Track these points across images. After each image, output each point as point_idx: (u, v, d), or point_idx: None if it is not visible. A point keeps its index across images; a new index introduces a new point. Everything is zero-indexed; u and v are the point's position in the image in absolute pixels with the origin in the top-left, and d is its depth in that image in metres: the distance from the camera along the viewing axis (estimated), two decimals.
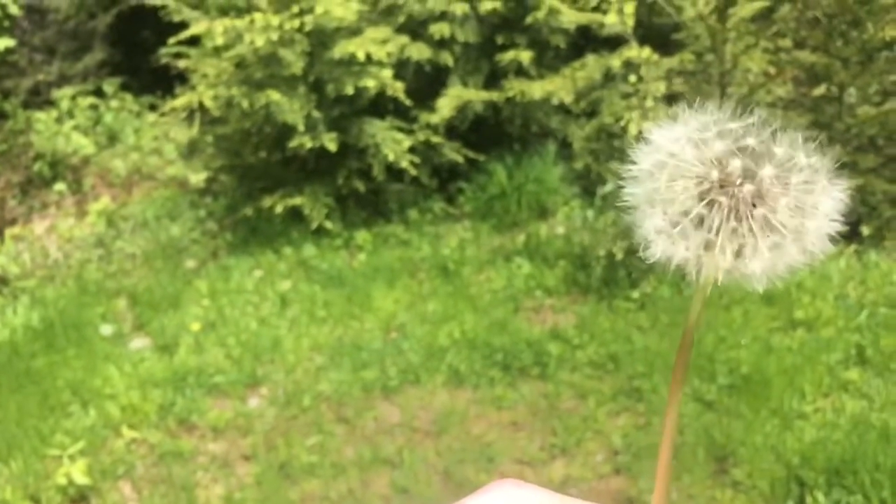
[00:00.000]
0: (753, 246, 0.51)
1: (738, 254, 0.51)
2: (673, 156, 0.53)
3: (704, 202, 0.51)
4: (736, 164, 0.51)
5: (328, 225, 5.37)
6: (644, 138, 0.55)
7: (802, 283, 4.18)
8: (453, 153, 5.60)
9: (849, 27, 4.80)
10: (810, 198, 0.52)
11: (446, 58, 5.64)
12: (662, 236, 0.52)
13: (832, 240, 0.53)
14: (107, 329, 4.54)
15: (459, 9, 5.53)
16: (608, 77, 5.36)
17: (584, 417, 3.52)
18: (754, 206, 0.51)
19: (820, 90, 4.92)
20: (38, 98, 7.71)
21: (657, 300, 4.25)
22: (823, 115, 4.86)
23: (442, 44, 5.65)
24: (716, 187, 0.51)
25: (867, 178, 4.61)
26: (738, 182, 0.51)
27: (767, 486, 2.95)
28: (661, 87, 4.77)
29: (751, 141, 0.53)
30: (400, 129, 5.51)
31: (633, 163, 0.54)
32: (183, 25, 5.79)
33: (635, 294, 4.32)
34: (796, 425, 3.23)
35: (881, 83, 4.94)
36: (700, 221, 0.51)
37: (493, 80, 5.77)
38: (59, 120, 7.11)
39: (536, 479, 3.21)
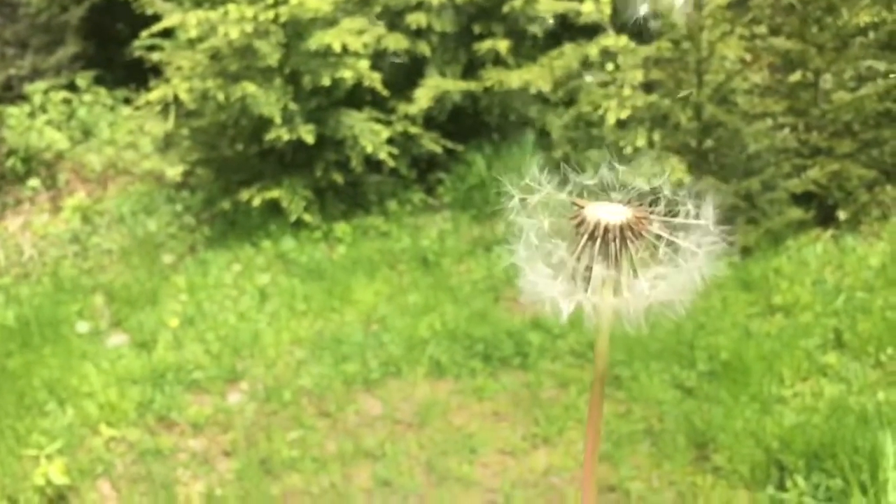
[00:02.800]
0: (630, 282, 0.51)
1: (618, 291, 0.51)
2: (541, 212, 0.54)
3: (578, 247, 0.51)
4: (603, 208, 0.51)
5: (307, 217, 5.33)
6: (518, 200, 0.56)
7: (780, 269, 4.20)
8: (432, 144, 5.58)
9: (823, 13, 4.81)
10: (688, 237, 0.53)
11: (423, 48, 5.61)
12: (543, 280, 0.52)
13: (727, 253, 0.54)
14: (83, 326, 4.49)
15: None
16: (585, 65, 5.36)
17: (565, 406, 3.53)
18: (626, 244, 0.51)
19: (796, 76, 4.94)
20: (10, 93, 7.59)
21: None
22: (799, 102, 4.88)
23: (419, 34, 5.62)
24: (586, 232, 0.51)
25: (843, 163, 4.64)
26: (607, 224, 0.51)
27: (748, 471, 2.97)
28: (639, 75, 4.77)
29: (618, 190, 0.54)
30: (378, 121, 5.47)
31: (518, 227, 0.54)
32: (156, 18, 5.72)
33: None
34: (776, 410, 3.25)
35: (856, 69, 4.96)
36: (575, 266, 0.51)
37: (470, 69, 5.75)
38: (31, 115, 7.00)
39: (519, 468, 3.21)
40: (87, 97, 7.38)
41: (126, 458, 3.45)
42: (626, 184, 0.54)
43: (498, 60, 5.64)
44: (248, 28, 5.09)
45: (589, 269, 0.50)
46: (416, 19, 5.53)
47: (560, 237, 0.52)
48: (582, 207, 0.51)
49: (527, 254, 0.52)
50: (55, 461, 3.33)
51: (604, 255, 0.50)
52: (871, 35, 4.85)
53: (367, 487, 3.19)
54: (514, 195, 0.54)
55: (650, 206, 0.52)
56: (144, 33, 5.78)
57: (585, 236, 0.50)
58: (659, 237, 0.51)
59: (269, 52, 5.23)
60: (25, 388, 3.89)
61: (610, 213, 0.51)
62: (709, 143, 4.62)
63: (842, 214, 4.61)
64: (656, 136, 4.52)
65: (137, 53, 6.21)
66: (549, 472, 3.18)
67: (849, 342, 3.62)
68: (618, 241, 0.50)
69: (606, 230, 0.50)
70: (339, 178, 5.44)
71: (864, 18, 4.74)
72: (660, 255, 0.52)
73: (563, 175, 0.55)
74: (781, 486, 2.87)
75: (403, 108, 5.51)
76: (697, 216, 0.54)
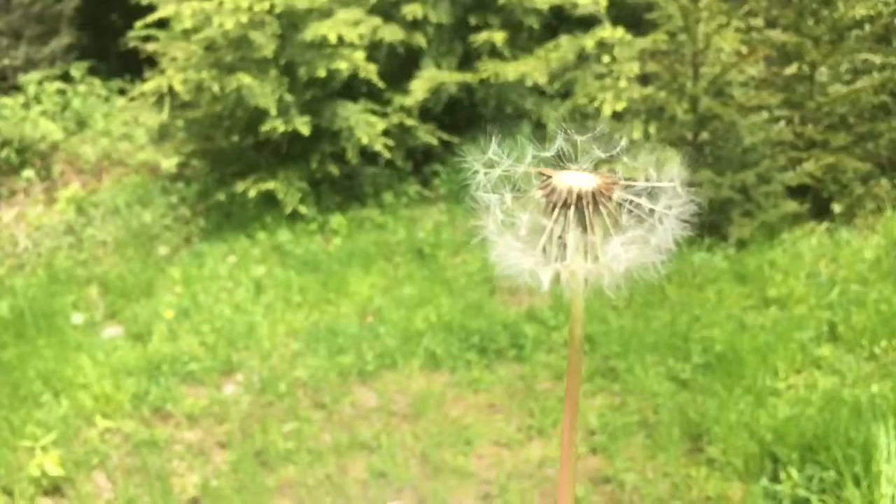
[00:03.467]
0: (605, 247, 0.50)
1: (593, 257, 0.50)
2: (505, 183, 0.53)
3: (551, 215, 0.50)
4: (571, 176, 0.51)
5: (302, 209, 5.32)
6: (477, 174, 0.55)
7: (775, 262, 4.21)
8: (427, 136, 5.57)
9: (819, 6, 4.81)
10: (658, 200, 0.52)
11: (419, 39, 5.59)
12: (514, 253, 0.51)
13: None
14: (78, 318, 4.48)
15: None
16: (582, 58, 5.35)
17: (560, 398, 3.53)
18: (599, 209, 0.50)
19: (791, 69, 4.94)
20: (5, 83, 7.56)
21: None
22: (795, 94, 4.88)
23: (415, 25, 5.61)
24: (559, 200, 0.50)
25: (838, 156, 4.64)
26: (579, 190, 0.50)
27: (741, 463, 2.98)
28: (635, 68, 4.77)
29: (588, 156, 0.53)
30: (373, 112, 5.46)
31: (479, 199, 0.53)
32: (151, 8, 5.70)
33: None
34: (769, 402, 3.26)
35: (852, 62, 4.97)
36: (548, 235, 0.51)
37: (466, 61, 5.74)
38: (26, 105, 6.98)
39: (514, 460, 3.22)
40: (82, 88, 7.35)
41: (121, 450, 3.45)
42: (585, 152, 0.54)
43: (494, 52, 5.63)
44: (244, 19, 5.07)
45: (562, 237, 0.50)
46: (412, 10, 5.51)
47: (523, 210, 0.52)
48: (549, 177, 0.51)
49: (495, 228, 0.52)
50: (50, 452, 3.33)
51: (577, 222, 0.50)
52: (867, 28, 4.86)
53: (362, 479, 3.19)
54: (476, 170, 0.54)
55: (611, 173, 0.52)
56: (139, 24, 5.76)
57: (559, 204, 0.50)
58: (629, 202, 0.51)
59: (265, 43, 5.21)
60: (20, 380, 3.89)
61: (579, 180, 0.51)
62: (704, 135, 4.62)
63: (837, 207, 4.62)
64: (652, 129, 4.52)
65: (132, 44, 6.18)
66: (543, 464, 3.19)
67: (843, 335, 3.63)
68: (591, 206, 0.50)
69: (579, 196, 0.49)
70: (334, 169, 5.43)
71: (860, 11, 4.74)
72: (631, 219, 0.51)
73: (521, 149, 0.55)
74: (775, 478, 2.88)
75: (399, 99, 5.50)
76: (661, 179, 0.53)
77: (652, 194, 0.52)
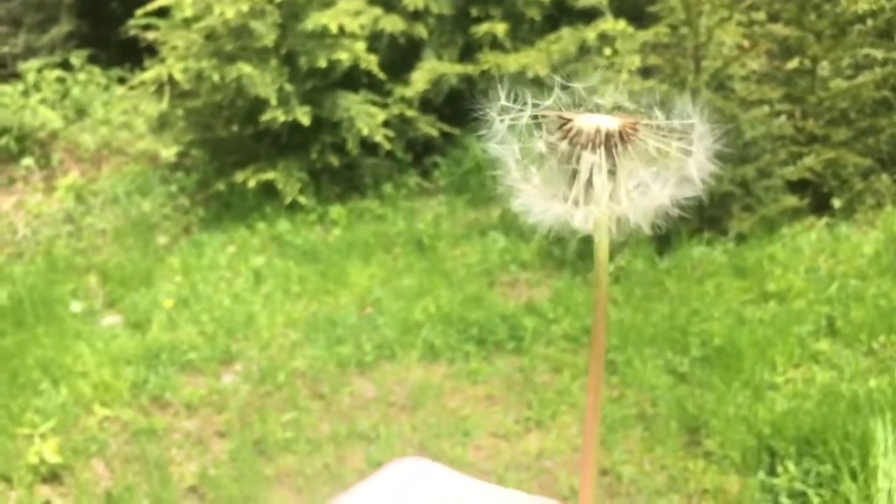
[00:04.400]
0: (633, 187, 0.49)
1: (621, 197, 0.49)
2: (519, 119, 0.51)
3: (574, 157, 0.48)
4: (592, 118, 0.49)
5: (302, 200, 5.32)
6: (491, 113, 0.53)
7: (774, 256, 4.21)
8: (428, 127, 5.56)
9: (822, 0, 4.80)
10: (682, 138, 0.50)
11: (420, 30, 5.58)
12: (539, 200, 0.49)
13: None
14: (77, 306, 4.48)
15: None
16: (583, 50, 5.34)
17: (558, 391, 3.54)
18: (627, 149, 0.49)
19: (793, 63, 4.93)
20: (4, 71, 7.54)
21: (631, 273, 4.27)
22: (796, 89, 4.87)
23: (416, 16, 5.59)
24: (585, 139, 0.48)
25: (839, 151, 4.64)
26: (607, 130, 0.48)
27: (739, 457, 2.99)
28: (636, 61, 4.76)
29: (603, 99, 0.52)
30: (374, 103, 5.45)
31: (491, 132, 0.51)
32: None
33: (609, 267, 4.33)
34: (767, 396, 3.27)
35: (853, 56, 4.96)
36: (570, 172, 0.49)
37: (467, 52, 5.73)
38: (25, 93, 6.96)
39: (512, 452, 3.22)
40: (82, 76, 7.33)
41: (120, 438, 3.45)
42: (585, 101, 0.53)
43: (495, 44, 5.62)
44: (244, 8, 5.05)
45: (591, 179, 0.49)
46: (413, 1, 5.50)
47: (542, 156, 0.51)
48: (570, 119, 0.50)
49: (516, 176, 0.51)
50: (49, 440, 3.33)
51: (606, 162, 0.49)
52: (870, 23, 4.84)
53: (360, 469, 3.20)
54: (491, 119, 0.53)
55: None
56: (139, 12, 5.74)
57: (586, 145, 0.49)
58: (654, 140, 0.50)
59: (265, 33, 5.20)
60: (19, 368, 3.89)
61: (601, 121, 0.49)
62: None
63: (836, 202, 4.62)
64: None
65: (132, 32, 6.16)
66: (541, 456, 3.20)
67: (841, 329, 3.64)
68: (619, 146, 0.48)
69: (607, 136, 0.48)
70: (334, 160, 5.43)
71: (863, 6, 4.73)
72: (659, 157, 0.50)
73: (523, 101, 0.53)
74: (772, 472, 2.89)
75: (400, 90, 5.49)
76: (676, 118, 0.52)
77: (673, 131, 0.51)
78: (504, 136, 0.51)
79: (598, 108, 0.51)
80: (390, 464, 0.43)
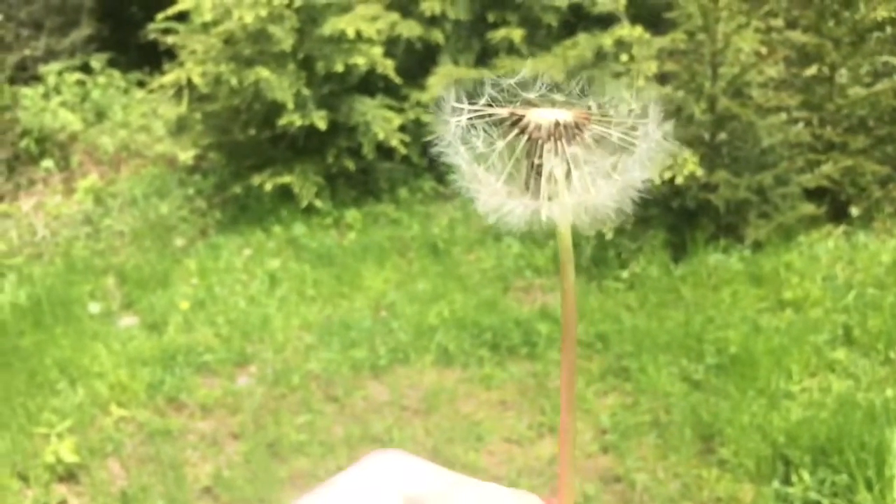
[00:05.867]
0: (591, 177, 0.49)
1: (581, 189, 0.48)
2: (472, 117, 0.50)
3: (533, 152, 0.48)
4: (545, 112, 0.48)
5: (318, 203, 5.35)
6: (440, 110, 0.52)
7: (791, 264, 4.19)
8: None
9: (841, 7, 4.78)
10: (631, 132, 0.50)
11: (437, 35, 5.60)
12: (501, 199, 0.49)
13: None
14: (95, 307, 4.52)
15: None
16: (599, 56, 5.34)
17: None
18: (582, 140, 0.49)
19: (811, 70, 4.91)
20: (25, 73, 7.63)
21: (646, 280, 4.26)
22: (814, 96, 4.85)
23: (433, 21, 5.61)
24: (543, 133, 0.47)
25: (857, 159, 4.61)
26: (564, 122, 0.48)
27: (753, 465, 2.98)
28: (653, 67, 4.75)
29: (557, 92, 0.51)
30: (390, 108, 5.48)
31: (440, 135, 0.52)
32: (171, 1, 5.73)
33: (624, 274, 4.33)
34: (783, 405, 3.25)
35: (872, 64, 4.93)
36: (531, 168, 0.48)
37: (483, 58, 5.74)
38: (46, 96, 7.04)
39: (524, 457, 3.22)
40: (101, 79, 7.41)
41: (135, 438, 3.48)
42: (515, 96, 0.52)
43: (512, 49, 5.63)
44: (263, 12, 5.09)
45: (552, 172, 0.48)
46: (430, 6, 5.52)
47: (486, 159, 0.50)
48: (522, 116, 0.49)
49: (472, 177, 0.50)
50: (65, 439, 3.37)
51: (564, 155, 0.48)
52: (888, 30, 4.82)
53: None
54: (445, 121, 0.52)
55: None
56: (159, 16, 5.79)
57: (543, 139, 0.48)
58: (607, 129, 0.49)
59: (283, 37, 5.24)
60: (37, 367, 3.93)
61: (556, 114, 0.48)
62: (722, 136, 4.60)
63: (854, 210, 4.59)
64: (669, 128, 4.50)
65: (152, 36, 6.22)
66: (554, 462, 3.19)
67: (858, 338, 3.61)
68: (576, 137, 0.48)
69: (567, 128, 0.47)
70: (350, 164, 5.45)
71: (882, 13, 4.70)
72: (610, 149, 0.50)
73: (469, 101, 0.53)
74: (787, 481, 2.87)
75: (416, 95, 5.51)
76: (631, 114, 0.52)
77: (621, 122, 0.50)
78: (457, 137, 0.51)
79: (530, 103, 0.51)
80: (367, 456, 0.43)
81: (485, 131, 0.50)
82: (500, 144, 0.49)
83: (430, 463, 0.43)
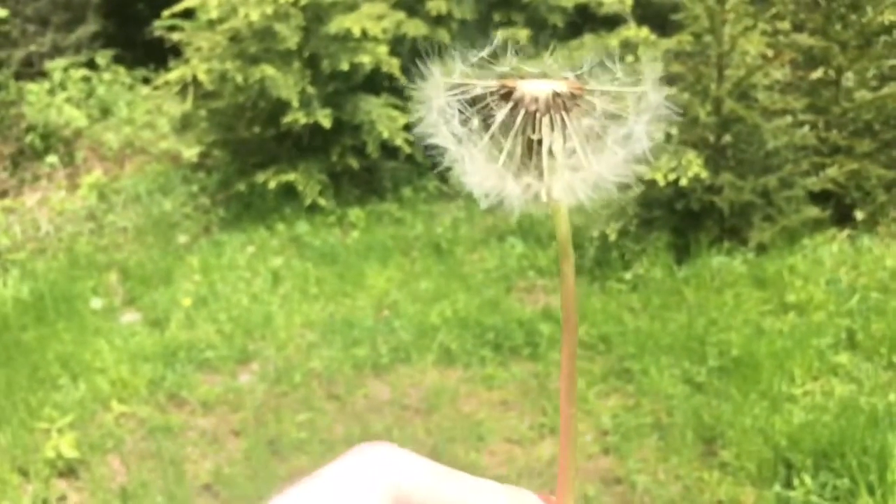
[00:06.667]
0: (590, 151, 0.45)
1: (579, 164, 0.45)
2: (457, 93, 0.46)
3: (529, 126, 0.44)
4: (536, 83, 0.44)
5: (321, 202, 5.35)
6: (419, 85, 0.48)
7: (795, 267, 4.18)
8: None
9: (848, 11, 4.76)
10: (629, 104, 0.46)
11: (443, 35, 5.59)
12: (494, 178, 0.45)
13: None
14: (97, 303, 4.53)
15: None
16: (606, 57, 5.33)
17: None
18: (577, 113, 0.44)
19: (817, 74, 4.90)
20: (31, 69, 7.64)
21: (649, 282, 4.25)
22: (820, 99, 4.83)
23: (438, 20, 5.61)
24: (538, 106, 0.44)
25: (862, 162, 4.60)
26: (559, 92, 0.44)
27: (755, 468, 2.97)
28: (659, 68, 4.74)
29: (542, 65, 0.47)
30: (395, 107, 5.47)
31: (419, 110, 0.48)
32: None
33: (627, 275, 4.32)
34: (785, 408, 3.24)
35: (879, 68, 4.91)
36: (526, 143, 0.44)
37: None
38: (51, 91, 7.05)
39: (526, 458, 3.22)
40: (107, 76, 7.42)
41: (136, 435, 3.48)
42: (482, 68, 0.49)
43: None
44: (269, 10, 5.09)
45: (551, 148, 0.45)
46: (436, 6, 5.52)
47: (470, 140, 0.47)
48: (513, 88, 0.46)
49: (462, 155, 0.47)
50: (66, 435, 3.37)
51: (561, 129, 0.45)
52: (895, 34, 4.80)
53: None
54: (429, 98, 0.48)
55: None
56: (165, 13, 5.79)
57: (539, 112, 0.45)
58: (602, 101, 0.46)
59: (289, 35, 5.24)
60: (39, 362, 3.93)
61: (551, 85, 0.45)
62: (727, 138, 4.59)
63: (859, 214, 4.58)
64: (674, 130, 4.49)
65: (157, 33, 6.23)
66: (555, 463, 3.18)
67: (861, 342, 3.60)
68: (570, 109, 0.44)
69: (559, 97, 0.44)
70: (354, 163, 5.45)
71: (889, 17, 4.69)
72: (607, 123, 0.46)
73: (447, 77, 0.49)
74: (788, 485, 2.86)
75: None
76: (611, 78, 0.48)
77: (619, 97, 0.47)
78: (441, 115, 0.47)
79: (506, 75, 0.47)
80: (356, 448, 0.42)
81: (470, 107, 0.46)
82: (498, 118, 0.45)
83: (419, 456, 0.42)
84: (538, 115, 0.44)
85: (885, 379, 3.37)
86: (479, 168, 0.46)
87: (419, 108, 0.48)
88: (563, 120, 0.44)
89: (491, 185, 0.45)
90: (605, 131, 0.45)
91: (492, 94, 0.46)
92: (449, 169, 0.48)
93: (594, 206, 0.45)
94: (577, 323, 0.49)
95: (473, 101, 0.46)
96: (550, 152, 0.44)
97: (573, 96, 0.44)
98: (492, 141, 0.46)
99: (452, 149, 0.47)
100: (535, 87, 0.44)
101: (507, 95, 0.45)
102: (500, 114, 0.45)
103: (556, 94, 0.44)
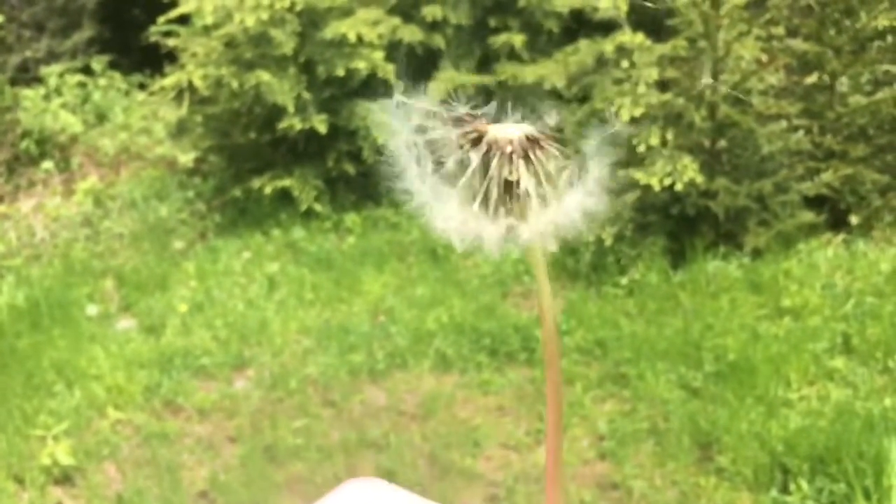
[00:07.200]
0: (555, 194, 0.46)
1: (543, 206, 0.46)
2: (426, 138, 0.47)
3: (504, 168, 0.45)
4: (505, 128, 0.46)
5: (317, 207, 5.34)
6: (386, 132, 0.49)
7: (790, 272, 4.19)
8: None
9: (842, 16, 4.78)
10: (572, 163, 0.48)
11: (438, 40, 5.60)
12: (470, 220, 0.46)
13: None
14: (93, 309, 4.52)
15: None
16: (600, 62, 5.34)
17: (570, 403, 3.53)
18: (544, 157, 0.46)
19: (812, 79, 4.91)
20: (26, 75, 7.63)
21: (645, 286, 4.25)
22: (815, 104, 4.85)
23: (434, 26, 5.61)
24: (513, 148, 0.45)
25: (857, 167, 4.61)
26: (530, 136, 0.46)
27: (751, 474, 2.97)
28: (654, 73, 4.75)
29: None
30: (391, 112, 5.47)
31: (391, 159, 0.49)
32: (172, 3, 5.73)
33: (623, 280, 4.32)
34: (781, 413, 3.24)
35: (873, 72, 4.93)
36: (500, 185, 0.45)
37: (485, 63, 5.74)
38: (46, 97, 7.03)
39: (522, 463, 3.21)
40: (102, 81, 7.41)
41: (132, 442, 3.47)
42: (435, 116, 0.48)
43: (513, 55, 5.63)
44: (264, 16, 5.09)
45: (510, 191, 0.46)
46: (431, 11, 5.52)
47: (442, 184, 0.47)
48: (483, 132, 0.46)
49: (434, 195, 0.47)
50: (62, 442, 3.36)
51: (534, 172, 0.46)
52: (889, 39, 4.82)
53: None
54: (397, 132, 0.49)
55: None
56: (161, 19, 5.79)
57: (515, 155, 0.46)
58: (561, 149, 0.47)
59: (284, 41, 5.24)
60: (34, 369, 3.92)
61: (520, 129, 0.46)
62: (722, 143, 4.60)
63: (854, 219, 4.59)
64: (669, 135, 4.50)
65: (153, 39, 6.22)
66: None
67: (857, 347, 3.61)
68: (537, 153, 0.45)
69: (532, 141, 0.45)
70: (350, 168, 5.45)
71: (883, 22, 4.71)
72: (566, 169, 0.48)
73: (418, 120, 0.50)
74: (785, 490, 2.86)
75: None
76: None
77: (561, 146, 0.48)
78: (412, 161, 0.48)
79: (461, 120, 0.48)
80: (345, 484, 0.42)
81: (434, 148, 0.47)
82: (474, 161, 0.46)
83: (405, 491, 0.42)
84: (514, 156, 0.45)
85: (881, 383, 3.38)
86: (455, 213, 0.46)
87: (390, 155, 0.49)
88: (536, 161, 0.45)
89: (470, 229, 0.46)
90: (574, 171, 0.46)
91: (463, 136, 0.47)
92: (414, 205, 0.49)
93: (557, 245, 0.46)
94: (560, 359, 0.51)
95: (435, 143, 0.47)
96: (527, 193, 0.45)
97: (538, 140, 0.46)
98: (464, 184, 0.46)
99: (427, 193, 0.47)
100: (505, 131, 0.45)
101: (477, 140, 0.46)
102: (475, 156, 0.46)
103: (529, 138, 0.45)
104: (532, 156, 0.46)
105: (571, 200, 0.46)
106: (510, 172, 0.46)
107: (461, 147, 0.47)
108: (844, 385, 3.40)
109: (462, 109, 0.48)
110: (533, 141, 0.46)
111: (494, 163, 0.46)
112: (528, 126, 0.47)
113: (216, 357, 3.99)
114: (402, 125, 0.48)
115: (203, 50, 5.53)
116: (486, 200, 0.46)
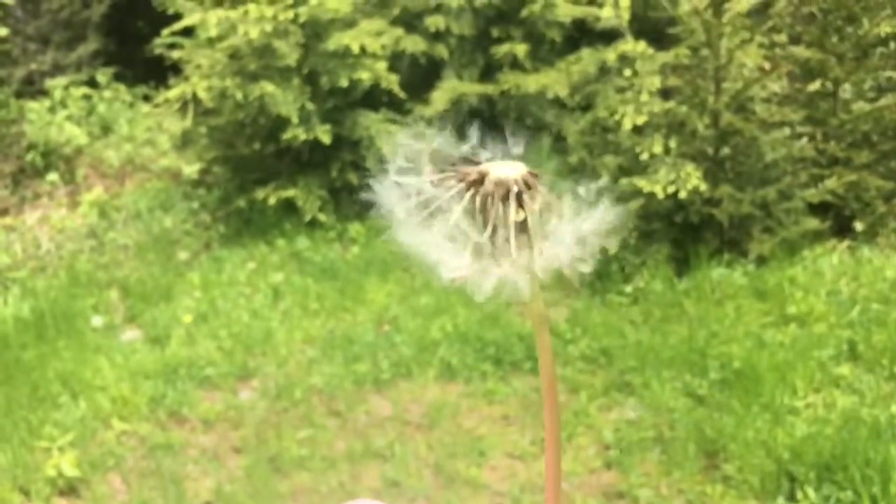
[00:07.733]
0: (556, 233, 0.46)
1: (544, 245, 0.46)
2: (420, 192, 0.48)
3: (506, 210, 0.46)
4: (502, 167, 0.46)
5: (321, 217, 5.35)
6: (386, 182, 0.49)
7: (795, 279, 4.18)
8: None
9: (844, 23, 4.79)
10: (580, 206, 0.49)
11: (441, 50, 5.62)
12: (473, 264, 0.46)
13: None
14: (98, 320, 4.52)
15: (454, 1, 5.51)
16: (603, 71, 5.35)
17: (575, 412, 3.52)
18: (535, 191, 0.46)
19: (815, 86, 4.91)
20: (32, 88, 7.68)
21: (649, 295, 4.24)
22: (818, 111, 4.85)
23: (437, 36, 5.63)
24: (510, 189, 0.46)
25: (861, 174, 4.61)
26: (525, 178, 0.46)
27: (758, 481, 2.95)
28: (656, 82, 4.76)
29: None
30: (394, 122, 5.49)
31: (388, 207, 0.49)
32: (177, 16, 5.76)
33: (628, 288, 4.32)
34: (787, 420, 3.23)
35: (876, 79, 4.93)
36: (502, 224, 0.46)
37: (488, 73, 5.76)
38: (52, 110, 7.07)
39: (527, 472, 3.20)
40: (107, 93, 7.45)
41: (137, 453, 3.47)
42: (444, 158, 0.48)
43: (515, 64, 5.65)
44: (268, 28, 5.12)
45: (527, 231, 0.46)
46: (434, 22, 5.54)
47: (441, 228, 0.48)
48: (485, 173, 0.46)
49: (429, 250, 0.47)
50: (67, 453, 3.36)
51: (537, 210, 0.47)
52: (892, 45, 4.82)
53: (375, 487, 3.19)
54: (396, 182, 0.49)
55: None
56: (165, 31, 5.82)
57: (512, 197, 0.46)
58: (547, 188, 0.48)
59: (288, 52, 5.26)
60: (39, 381, 3.92)
61: (515, 168, 0.46)
62: (725, 150, 4.60)
63: (858, 225, 4.58)
64: (673, 143, 4.50)
65: (158, 51, 6.25)
66: None
67: (863, 354, 3.59)
68: (536, 193, 0.46)
69: (527, 185, 0.46)
70: (354, 178, 5.46)
71: (885, 29, 4.71)
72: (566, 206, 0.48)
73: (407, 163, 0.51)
74: (792, 497, 2.85)
75: (420, 109, 5.52)
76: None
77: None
78: (410, 209, 0.48)
79: (454, 165, 0.48)
80: None
81: (439, 214, 0.47)
82: (472, 201, 0.46)
83: None
84: (520, 195, 0.46)
85: (887, 390, 3.36)
86: (453, 254, 0.47)
87: (386, 205, 0.49)
88: (538, 199, 0.46)
89: (471, 270, 0.47)
90: (573, 209, 0.46)
91: (462, 179, 0.47)
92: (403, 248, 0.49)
93: (557, 284, 0.47)
94: (556, 386, 0.51)
95: (435, 205, 0.47)
96: (527, 230, 0.46)
97: (532, 181, 0.46)
98: (464, 228, 0.47)
99: (428, 239, 0.47)
100: (504, 171, 0.46)
101: (478, 180, 0.46)
102: (476, 196, 0.47)
103: (525, 180, 0.46)
104: (534, 193, 0.47)
105: (572, 234, 0.46)
106: (516, 212, 0.46)
107: (462, 195, 0.48)
108: (850, 392, 3.38)
109: (464, 148, 0.49)
110: (531, 180, 0.47)
111: (493, 201, 0.46)
112: (522, 165, 0.47)
113: (221, 367, 3.99)
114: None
115: (207, 62, 5.56)
116: (492, 243, 0.47)
